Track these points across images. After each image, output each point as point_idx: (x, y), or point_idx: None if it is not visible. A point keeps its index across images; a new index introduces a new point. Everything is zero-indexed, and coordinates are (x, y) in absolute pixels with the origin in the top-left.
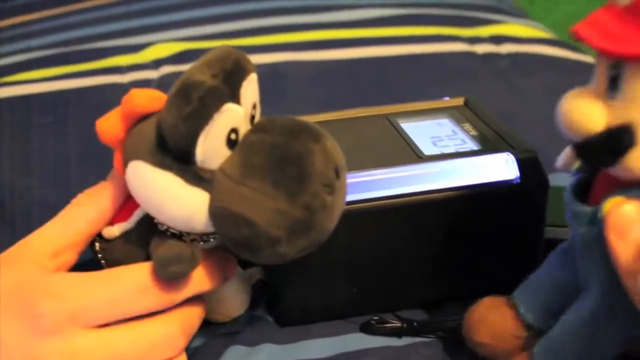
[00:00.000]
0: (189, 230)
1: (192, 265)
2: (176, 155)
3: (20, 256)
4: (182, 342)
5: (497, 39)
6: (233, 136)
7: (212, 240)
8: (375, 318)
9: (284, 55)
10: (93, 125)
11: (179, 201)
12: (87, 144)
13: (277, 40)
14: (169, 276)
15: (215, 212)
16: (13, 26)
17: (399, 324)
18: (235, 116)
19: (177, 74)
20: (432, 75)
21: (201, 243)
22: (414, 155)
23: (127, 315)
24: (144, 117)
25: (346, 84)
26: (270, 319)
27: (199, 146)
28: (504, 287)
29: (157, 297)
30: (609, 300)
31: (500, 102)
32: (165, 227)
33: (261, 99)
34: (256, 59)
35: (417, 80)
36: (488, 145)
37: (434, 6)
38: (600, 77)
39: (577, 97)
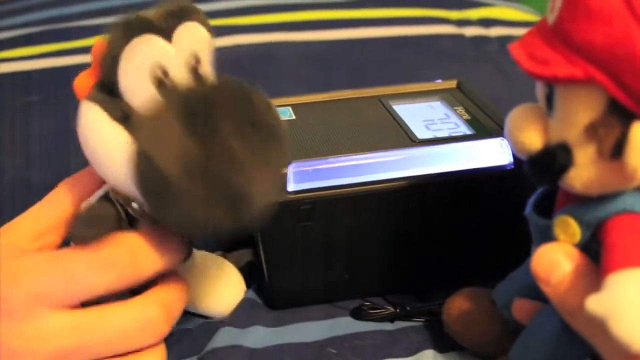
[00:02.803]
0: (119, 183)
1: (99, 227)
2: (105, 85)
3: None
4: (164, 328)
5: (486, 22)
6: (159, 73)
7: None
8: (367, 304)
9: (274, 36)
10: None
11: (99, 136)
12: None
13: (267, 20)
14: (79, 239)
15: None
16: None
17: (391, 310)
18: (158, 50)
19: None
20: (420, 58)
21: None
22: (407, 139)
23: (90, 293)
24: None
25: (336, 65)
26: (260, 301)
27: (120, 73)
28: (496, 273)
29: (116, 272)
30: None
31: (488, 85)
32: (114, 196)
33: (251, 79)
34: (246, 39)
35: (405, 62)
36: (481, 129)
37: None
38: (540, 95)
39: (518, 114)
